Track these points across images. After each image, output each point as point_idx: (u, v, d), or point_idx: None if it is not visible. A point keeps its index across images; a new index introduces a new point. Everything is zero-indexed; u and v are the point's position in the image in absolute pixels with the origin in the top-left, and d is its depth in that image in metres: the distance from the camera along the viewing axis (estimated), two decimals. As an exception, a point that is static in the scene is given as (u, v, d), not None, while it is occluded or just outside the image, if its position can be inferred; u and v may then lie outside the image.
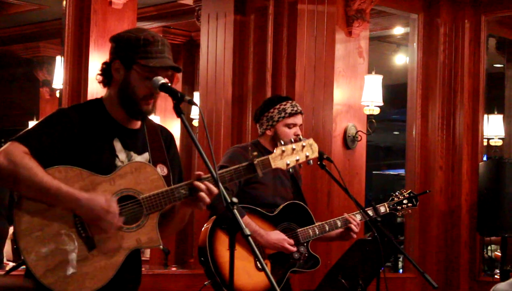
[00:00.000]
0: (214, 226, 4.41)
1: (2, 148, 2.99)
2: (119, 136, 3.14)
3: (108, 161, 3.08)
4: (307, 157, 3.32)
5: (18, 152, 2.96)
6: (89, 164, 3.02)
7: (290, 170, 4.69)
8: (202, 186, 3.03)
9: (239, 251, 4.02)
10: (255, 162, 3.20)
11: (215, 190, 3.03)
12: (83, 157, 3.03)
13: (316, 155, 3.34)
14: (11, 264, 6.27)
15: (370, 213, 4.71)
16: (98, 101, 3.20)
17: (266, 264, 4.47)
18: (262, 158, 3.23)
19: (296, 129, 4.65)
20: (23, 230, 2.92)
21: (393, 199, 4.99)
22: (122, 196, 3.03)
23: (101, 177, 3.01)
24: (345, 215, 4.75)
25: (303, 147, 3.31)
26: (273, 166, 3.25)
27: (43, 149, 2.99)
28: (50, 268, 2.92)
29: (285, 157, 3.27)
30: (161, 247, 7.14)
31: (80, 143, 3.04)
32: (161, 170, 3.18)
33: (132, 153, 3.15)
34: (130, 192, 3.05)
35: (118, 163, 3.10)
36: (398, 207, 4.98)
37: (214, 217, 4.43)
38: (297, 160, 3.29)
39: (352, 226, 4.70)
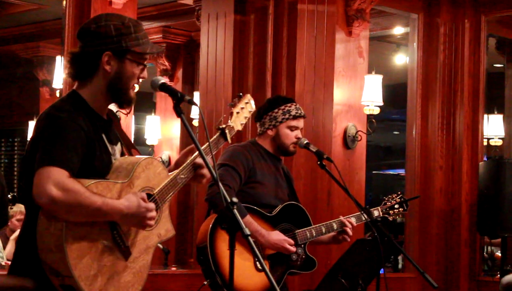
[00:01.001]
0: (215, 224, 4.39)
1: (45, 177, 2.77)
2: (104, 130, 3.08)
3: (108, 161, 3.04)
4: (250, 112, 3.63)
5: (65, 178, 2.79)
6: (93, 166, 2.97)
7: (284, 170, 4.76)
8: (201, 162, 3.15)
9: (239, 251, 4.01)
10: (222, 127, 3.43)
11: (210, 162, 3.05)
12: (89, 162, 2.95)
13: (253, 107, 3.66)
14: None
15: (364, 217, 4.71)
16: (76, 95, 3.05)
17: (265, 265, 4.47)
18: (223, 125, 3.46)
19: (298, 133, 4.67)
20: (75, 257, 2.82)
21: (385, 203, 4.99)
22: None
23: (121, 184, 2.96)
24: (341, 217, 4.74)
25: (246, 103, 3.61)
26: (236, 128, 3.51)
27: (75, 167, 2.87)
28: (102, 288, 2.89)
29: (239, 117, 3.55)
30: (161, 247, 7.17)
31: (88, 147, 2.96)
32: (136, 154, 3.21)
33: (114, 146, 3.11)
34: (146, 190, 3.04)
35: (113, 160, 3.06)
36: (390, 211, 4.98)
37: (215, 215, 4.42)
38: (246, 117, 3.60)
39: (347, 229, 4.68)
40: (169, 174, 3.14)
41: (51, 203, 2.76)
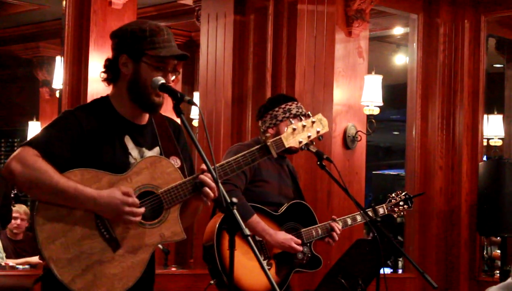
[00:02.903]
0: (222, 223, 4.38)
1: (13, 154, 2.95)
2: (129, 133, 3.12)
3: (121, 159, 3.06)
4: (317, 132, 3.29)
5: (30, 155, 2.93)
6: (103, 164, 3.00)
7: (289, 167, 4.75)
8: (207, 180, 3.01)
9: (245, 250, 4.00)
10: (268, 143, 3.20)
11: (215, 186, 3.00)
12: (97, 157, 3.00)
13: (326, 129, 3.32)
14: (11, 263, 6.27)
15: (370, 214, 4.72)
16: (104, 99, 3.16)
17: (272, 264, 4.53)
18: (275, 138, 3.23)
19: None
20: (46, 238, 2.89)
21: (390, 201, 5.01)
22: (141, 193, 3.01)
23: (117, 176, 2.98)
24: (331, 221, 4.73)
25: (313, 122, 3.29)
26: (286, 145, 3.24)
27: (54, 152, 2.96)
28: (77, 273, 2.90)
29: (296, 135, 3.25)
30: (161, 247, 7.18)
31: (91, 143, 3.01)
32: (175, 161, 3.17)
33: (144, 149, 3.14)
34: (148, 188, 3.03)
35: (132, 161, 3.07)
36: (395, 209, 5.01)
37: (221, 214, 4.40)
38: (309, 137, 3.27)
39: (334, 234, 4.67)
40: (183, 178, 3.08)
41: (9, 174, 2.92)
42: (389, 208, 4.97)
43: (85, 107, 3.13)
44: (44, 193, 2.92)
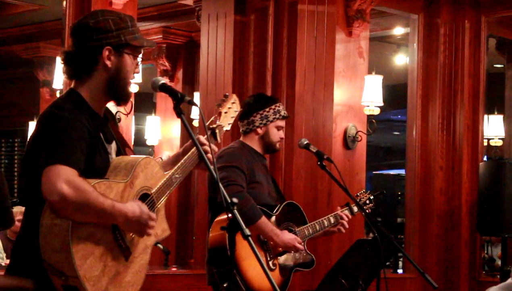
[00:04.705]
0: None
1: (55, 175, 2.73)
2: (101, 130, 3.07)
3: (106, 163, 3.03)
4: (236, 112, 3.69)
5: (75, 176, 2.76)
6: (96, 169, 2.95)
7: (267, 168, 4.85)
8: (203, 140, 3.21)
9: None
10: (213, 127, 3.49)
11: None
12: (91, 161, 2.93)
13: (239, 107, 3.73)
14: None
15: (347, 212, 4.92)
16: (76, 94, 3.01)
17: (276, 264, 4.61)
18: (215, 125, 3.52)
19: (282, 132, 4.84)
20: (80, 258, 2.80)
21: (360, 200, 5.09)
22: (140, 196, 3.03)
23: (121, 183, 2.95)
24: (338, 211, 4.91)
25: (233, 103, 3.67)
26: (225, 128, 3.57)
27: (82, 167, 2.84)
28: (104, 288, 2.88)
29: (227, 117, 3.61)
30: (161, 247, 7.17)
31: (90, 148, 2.94)
32: (130, 153, 3.20)
33: (110, 145, 3.10)
34: (145, 190, 3.04)
35: (110, 159, 3.06)
36: (364, 206, 5.10)
37: (224, 218, 4.41)
38: (232, 117, 3.64)
39: (344, 222, 4.86)
40: (165, 173, 3.15)
41: (62, 200, 2.72)
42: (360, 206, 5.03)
43: (71, 108, 2.95)
44: (89, 214, 2.79)
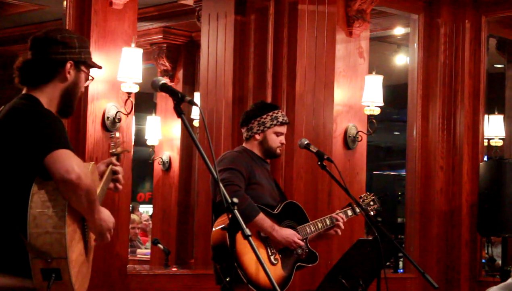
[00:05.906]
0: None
1: (68, 156, 2.91)
2: None
3: None
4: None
5: (81, 162, 2.98)
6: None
7: (269, 171, 4.91)
8: (117, 168, 3.37)
9: (260, 247, 4.33)
10: (115, 151, 3.50)
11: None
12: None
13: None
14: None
15: (350, 212, 4.95)
16: (35, 99, 3.17)
17: (277, 259, 4.68)
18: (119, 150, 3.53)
19: (282, 138, 4.91)
20: (71, 240, 2.94)
21: (363, 200, 5.11)
22: None
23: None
24: (334, 213, 4.94)
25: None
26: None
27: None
28: (77, 274, 2.99)
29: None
30: (162, 247, 7.14)
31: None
32: None
33: None
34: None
35: None
36: (367, 208, 5.11)
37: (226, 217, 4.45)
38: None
39: (340, 224, 4.87)
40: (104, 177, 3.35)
41: (78, 178, 2.87)
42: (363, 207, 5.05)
43: (43, 107, 3.11)
44: (90, 200, 2.97)
